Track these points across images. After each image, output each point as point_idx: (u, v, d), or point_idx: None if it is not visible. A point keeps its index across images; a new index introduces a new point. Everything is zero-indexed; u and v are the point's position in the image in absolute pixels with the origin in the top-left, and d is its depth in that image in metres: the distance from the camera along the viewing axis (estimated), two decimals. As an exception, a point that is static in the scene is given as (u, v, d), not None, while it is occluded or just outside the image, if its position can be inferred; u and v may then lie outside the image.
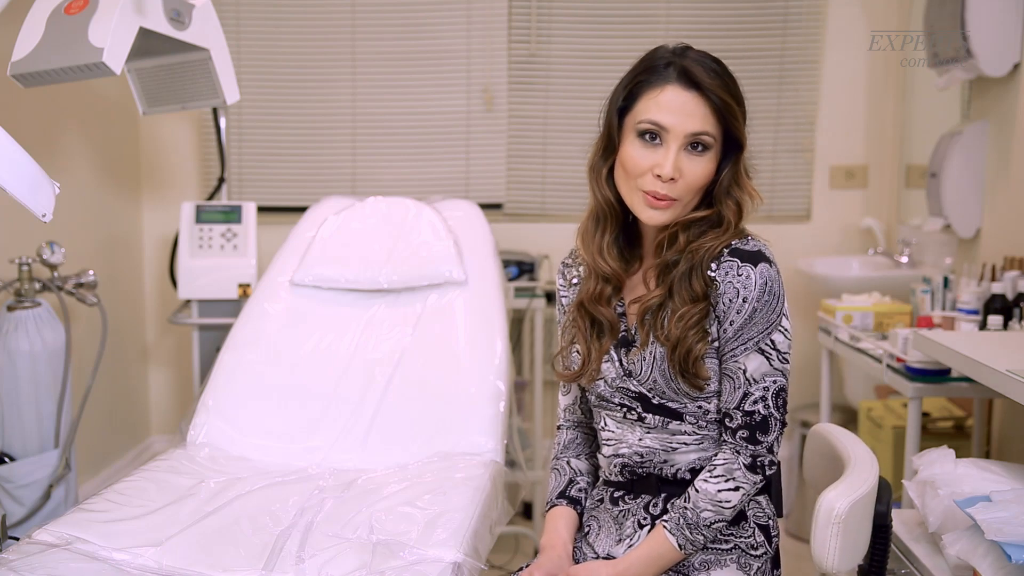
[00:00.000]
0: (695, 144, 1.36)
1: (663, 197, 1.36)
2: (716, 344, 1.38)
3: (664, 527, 1.37)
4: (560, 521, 1.52)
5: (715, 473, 1.37)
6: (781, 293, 1.37)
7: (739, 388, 1.37)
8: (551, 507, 1.55)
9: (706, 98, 1.35)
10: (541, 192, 3.63)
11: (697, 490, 1.37)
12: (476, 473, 1.99)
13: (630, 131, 1.39)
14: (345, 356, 2.35)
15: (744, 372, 1.36)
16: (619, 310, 1.47)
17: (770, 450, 1.38)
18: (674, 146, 1.35)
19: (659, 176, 1.35)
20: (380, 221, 2.55)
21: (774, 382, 1.37)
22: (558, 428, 1.63)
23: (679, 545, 1.36)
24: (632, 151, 1.38)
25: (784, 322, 1.37)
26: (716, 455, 1.40)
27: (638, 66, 1.41)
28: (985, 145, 2.72)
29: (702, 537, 1.37)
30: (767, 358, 1.36)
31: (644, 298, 1.42)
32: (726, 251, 1.37)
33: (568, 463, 1.59)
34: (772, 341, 1.36)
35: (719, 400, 1.40)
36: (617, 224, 1.47)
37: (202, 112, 3.51)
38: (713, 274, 1.36)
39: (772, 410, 1.37)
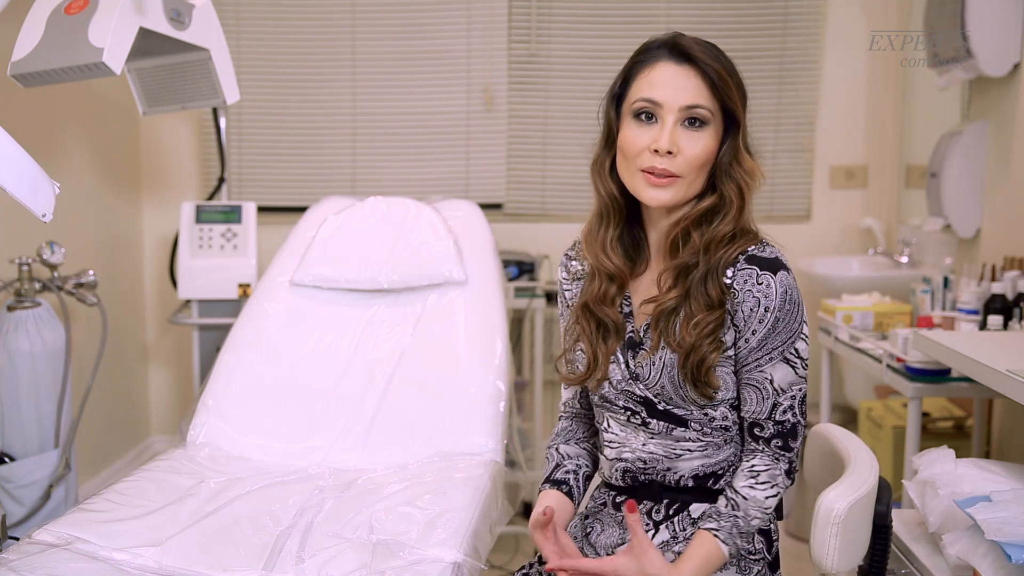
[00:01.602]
0: (692, 120, 1.34)
1: (662, 172, 1.33)
2: (730, 353, 1.36)
3: (717, 536, 1.33)
4: (544, 501, 1.48)
5: (761, 480, 1.36)
6: (800, 300, 1.36)
7: (768, 398, 1.36)
8: (539, 491, 1.54)
9: (699, 70, 1.34)
10: (541, 192, 3.63)
11: (745, 497, 1.35)
12: (476, 473, 1.99)
13: (627, 115, 1.38)
14: (345, 356, 2.35)
15: (771, 382, 1.35)
16: (625, 309, 1.45)
17: (798, 455, 1.39)
18: (670, 120, 1.33)
19: (656, 151, 1.33)
20: (380, 221, 2.55)
21: (800, 390, 1.36)
22: (558, 418, 1.62)
23: (730, 554, 1.34)
24: (629, 132, 1.37)
25: (805, 329, 1.36)
26: (751, 461, 1.37)
27: (634, 53, 1.40)
28: (985, 145, 2.72)
29: (745, 543, 1.36)
30: (792, 367, 1.35)
31: (660, 299, 1.39)
32: (742, 258, 1.34)
33: (557, 450, 1.57)
34: (796, 350, 1.35)
35: (742, 411, 1.39)
36: (621, 219, 1.44)
37: (202, 112, 3.51)
38: (729, 280, 1.34)
39: (799, 417, 1.37)
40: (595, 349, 1.44)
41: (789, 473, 1.38)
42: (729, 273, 1.35)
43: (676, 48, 1.35)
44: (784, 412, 1.36)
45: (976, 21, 2.53)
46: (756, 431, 1.38)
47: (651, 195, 1.36)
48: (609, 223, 1.44)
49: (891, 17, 3.44)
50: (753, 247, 1.36)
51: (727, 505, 1.36)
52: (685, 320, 1.36)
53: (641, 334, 1.42)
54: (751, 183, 1.37)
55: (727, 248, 1.35)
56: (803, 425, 1.38)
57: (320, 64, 3.57)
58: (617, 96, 1.41)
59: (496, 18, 3.52)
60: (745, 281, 1.34)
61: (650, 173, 1.35)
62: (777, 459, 1.37)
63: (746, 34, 3.51)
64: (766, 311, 1.33)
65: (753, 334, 1.34)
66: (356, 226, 2.54)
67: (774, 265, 1.34)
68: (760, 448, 1.38)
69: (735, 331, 1.36)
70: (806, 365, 1.37)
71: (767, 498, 1.35)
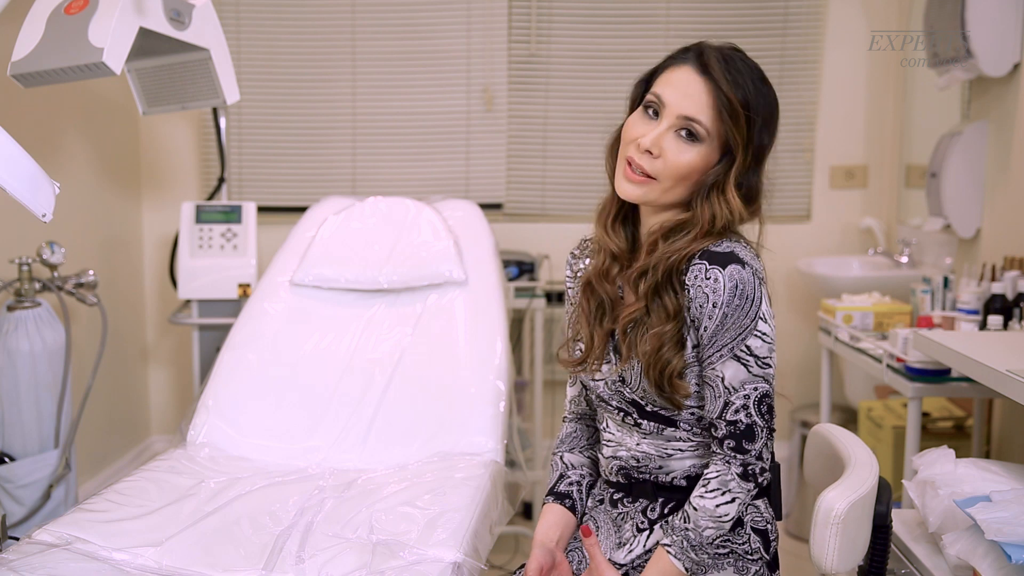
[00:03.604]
0: (688, 132, 1.34)
1: (638, 168, 1.34)
2: (696, 350, 1.36)
3: (668, 553, 1.34)
4: (548, 517, 1.51)
5: (710, 488, 1.34)
6: (756, 295, 1.31)
7: (719, 397, 1.33)
8: (543, 504, 1.55)
9: (711, 90, 1.32)
10: (541, 192, 3.63)
11: (695, 508, 1.34)
12: (476, 473, 1.99)
13: (640, 104, 1.39)
14: (345, 356, 2.35)
15: (722, 380, 1.33)
16: (620, 293, 1.45)
17: (759, 457, 1.34)
18: (665, 123, 1.34)
19: (640, 146, 1.34)
20: (380, 221, 2.55)
21: (755, 389, 1.32)
22: (563, 420, 1.62)
23: (686, 569, 1.33)
24: (632, 119, 1.38)
25: (761, 326, 1.32)
26: (708, 468, 1.37)
27: (676, 50, 1.41)
28: (985, 145, 2.72)
29: (707, 556, 1.34)
30: (744, 365, 1.32)
31: (626, 311, 1.40)
32: (697, 255, 1.33)
33: (561, 458, 1.58)
34: (748, 347, 1.32)
35: (704, 411, 1.38)
36: (624, 202, 1.44)
37: (202, 112, 3.51)
38: (683, 277, 1.34)
39: (756, 417, 1.32)
40: (592, 331, 1.45)
41: (745, 476, 1.33)
42: (684, 270, 1.34)
43: (702, 59, 1.34)
44: (736, 412, 1.32)
45: (976, 21, 2.53)
46: (712, 432, 1.36)
47: (623, 187, 1.38)
48: (612, 203, 1.46)
49: (891, 17, 3.44)
50: (711, 244, 1.34)
51: (680, 517, 1.36)
52: (646, 330, 1.36)
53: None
54: (725, 215, 1.34)
55: (679, 253, 1.34)
56: (764, 427, 1.33)
57: (320, 64, 3.57)
58: (645, 82, 1.41)
59: (496, 18, 3.52)
60: (696, 277, 1.33)
61: (628, 166, 1.36)
62: (728, 462, 1.33)
63: (746, 34, 3.50)
64: (714, 307, 1.31)
65: (705, 330, 1.33)
66: (356, 226, 2.54)
67: (725, 259, 1.32)
68: (716, 451, 1.35)
69: (693, 328, 1.35)
70: (764, 364, 1.32)
71: (718, 506, 1.33)
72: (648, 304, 1.37)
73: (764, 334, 1.32)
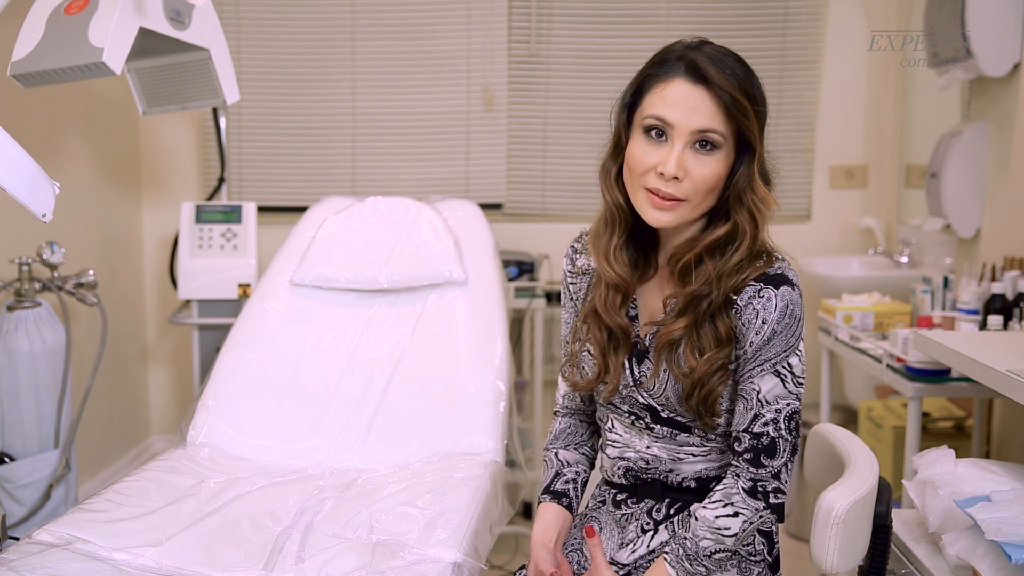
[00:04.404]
0: (703, 142, 1.30)
1: (667, 196, 1.30)
2: (733, 367, 1.35)
3: (665, 559, 1.33)
4: (545, 516, 1.49)
5: (714, 499, 1.33)
6: (801, 317, 1.32)
7: (751, 409, 1.32)
8: (539, 502, 1.54)
9: (714, 94, 1.29)
10: (541, 192, 3.63)
11: (696, 518, 1.33)
12: (476, 473, 1.99)
13: (637, 128, 1.34)
14: (345, 356, 2.35)
15: (758, 393, 1.32)
16: (631, 313, 1.43)
17: (776, 476, 1.31)
18: (679, 143, 1.29)
19: (663, 174, 1.30)
20: (380, 221, 2.55)
21: (787, 404, 1.32)
22: (554, 414, 1.60)
23: None
24: (637, 148, 1.33)
25: (801, 346, 1.33)
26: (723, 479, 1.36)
27: (650, 60, 1.35)
28: (985, 145, 2.72)
29: (703, 569, 1.32)
30: (782, 380, 1.31)
31: (666, 327, 1.37)
32: (751, 279, 1.33)
33: (556, 455, 1.56)
34: (789, 364, 1.31)
35: (732, 421, 1.36)
36: (627, 228, 1.41)
37: (202, 112, 3.51)
38: (736, 301, 1.33)
39: (783, 432, 1.31)
40: (607, 359, 1.42)
41: (754, 493, 1.31)
42: (737, 297, 1.33)
43: (693, 66, 1.30)
44: (764, 425, 1.31)
45: (976, 21, 2.53)
46: (735, 445, 1.34)
47: (653, 216, 1.33)
48: (614, 230, 1.41)
49: (891, 17, 3.44)
50: (768, 268, 1.33)
51: (684, 525, 1.35)
52: (690, 349, 1.34)
53: (646, 343, 1.41)
54: (764, 211, 1.34)
55: (737, 277, 1.33)
56: (789, 443, 1.32)
57: (320, 64, 3.57)
58: (629, 105, 1.37)
59: (496, 18, 3.52)
60: (750, 297, 1.32)
61: (654, 194, 1.31)
62: (738, 475, 1.32)
63: (746, 34, 3.51)
64: (763, 323, 1.31)
65: (750, 345, 1.32)
66: (356, 226, 2.54)
67: (777, 280, 1.32)
68: (733, 464, 1.34)
69: (736, 343, 1.34)
70: (799, 382, 1.32)
71: (717, 517, 1.31)
72: (695, 327, 1.35)
73: (802, 353, 1.33)
